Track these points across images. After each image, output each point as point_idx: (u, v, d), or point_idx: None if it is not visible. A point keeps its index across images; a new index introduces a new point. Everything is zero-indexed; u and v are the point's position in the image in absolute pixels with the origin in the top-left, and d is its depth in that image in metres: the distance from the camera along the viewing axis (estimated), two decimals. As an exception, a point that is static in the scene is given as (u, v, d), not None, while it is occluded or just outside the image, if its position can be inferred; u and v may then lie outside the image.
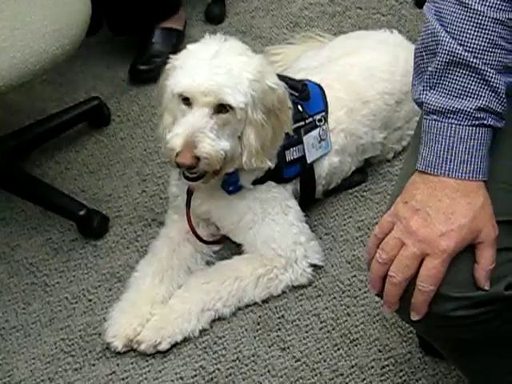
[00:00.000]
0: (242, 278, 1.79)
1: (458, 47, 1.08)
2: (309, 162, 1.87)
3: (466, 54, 1.07)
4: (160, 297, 1.79)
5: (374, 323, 1.77)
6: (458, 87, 1.09)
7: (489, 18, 1.07)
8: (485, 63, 1.07)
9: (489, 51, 1.07)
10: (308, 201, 1.95)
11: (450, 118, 1.09)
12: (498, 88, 1.08)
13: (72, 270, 1.95)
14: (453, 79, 1.09)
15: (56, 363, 1.76)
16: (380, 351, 1.72)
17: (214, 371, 1.72)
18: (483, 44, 1.07)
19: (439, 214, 1.07)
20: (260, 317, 1.80)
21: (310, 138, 1.86)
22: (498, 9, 1.07)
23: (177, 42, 2.51)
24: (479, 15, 1.07)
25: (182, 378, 1.71)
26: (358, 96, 1.95)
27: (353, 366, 1.70)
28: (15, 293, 1.91)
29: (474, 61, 1.07)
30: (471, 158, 1.08)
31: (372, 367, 1.69)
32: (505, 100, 1.09)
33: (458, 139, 1.09)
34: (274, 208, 1.82)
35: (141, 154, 2.24)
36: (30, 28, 1.70)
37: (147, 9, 2.46)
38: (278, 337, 1.77)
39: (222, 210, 1.84)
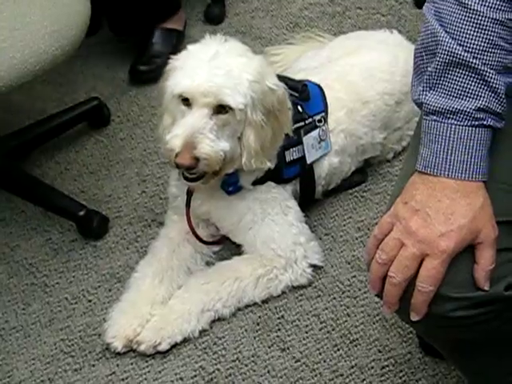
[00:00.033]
0: (242, 278, 1.79)
1: (458, 47, 1.08)
2: (308, 162, 1.87)
3: (466, 54, 1.07)
4: (160, 297, 1.79)
5: (374, 323, 1.77)
6: (458, 87, 1.09)
7: (488, 18, 1.07)
8: (484, 63, 1.07)
9: (488, 51, 1.07)
10: (308, 201, 1.95)
11: (449, 118, 1.09)
12: (498, 88, 1.08)
13: (72, 270, 1.95)
14: (452, 79, 1.09)
15: (56, 364, 1.76)
16: (380, 351, 1.72)
17: (213, 372, 1.72)
18: (483, 44, 1.07)
19: (439, 214, 1.07)
20: (260, 317, 1.80)
21: (309, 139, 1.86)
22: (497, 9, 1.07)
23: (177, 42, 2.51)
24: (479, 15, 1.07)
25: (181, 379, 1.71)
26: (357, 96, 1.95)
27: (353, 367, 1.70)
28: (15, 293, 1.91)
29: (474, 61, 1.07)
30: (471, 158, 1.08)
31: (372, 367, 1.69)
32: (504, 100, 1.09)
33: (458, 139, 1.09)
34: (274, 208, 1.82)
35: (140, 154, 2.24)
36: (29, 29, 1.70)
37: (148, 9, 2.46)
38: (277, 337, 1.77)
39: (222, 210, 1.84)
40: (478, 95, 1.08)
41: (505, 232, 1.10)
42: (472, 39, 1.07)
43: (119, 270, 1.93)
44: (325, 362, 1.71)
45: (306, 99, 1.87)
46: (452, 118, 1.09)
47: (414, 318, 1.11)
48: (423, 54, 1.12)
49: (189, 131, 1.63)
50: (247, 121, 1.68)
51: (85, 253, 1.99)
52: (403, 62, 2.01)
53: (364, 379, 1.68)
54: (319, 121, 1.88)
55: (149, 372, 1.72)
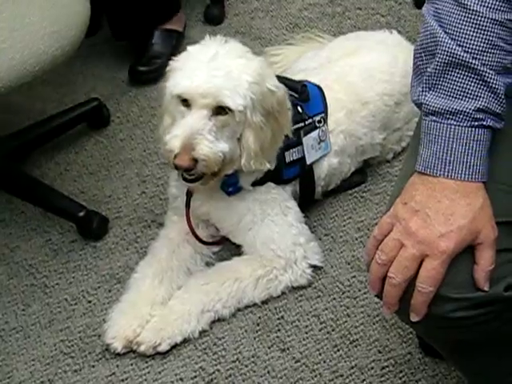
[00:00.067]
0: (242, 279, 1.79)
1: (457, 48, 1.07)
2: (308, 163, 1.87)
3: (465, 54, 1.07)
4: (160, 298, 1.78)
5: (374, 324, 1.77)
6: (457, 88, 1.09)
7: (487, 18, 1.07)
8: (484, 64, 1.07)
9: (488, 52, 1.07)
10: (307, 202, 1.95)
11: (449, 118, 1.09)
12: (497, 89, 1.08)
13: (71, 271, 1.95)
14: (452, 80, 1.09)
15: (56, 365, 1.76)
16: (380, 352, 1.72)
17: (213, 372, 1.72)
18: (482, 45, 1.07)
19: (438, 215, 1.07)
20: (260, 318, 1.80)
21: (309, 140, 1.86)
22: (496, 9, 1.07)
23: (176, 43, 2.51)
24: (478, 16, 1.07)
25: (181, 379, 1.71)
26: (357, 97, 1.95)
27: (353, 367, 1.70)
28: (15, 294, 1.91)
29: (473, 62, 1.07)
30: (470, 158, 1.08)
31: (372, 368, 1.69)
32: (504, 101, 1.09)
33: (458, 140, 1.09)
34: (274, 209, 1.82)
35: (140, 155, 2.24)
36: (29, 29, 1.69)
37: (148, 11, 2.46)
38: (277, 338, 1.77)
39: (222, 211, 1.84)
40: (477, 96, 1.08)
41: (504, 232, 1.10)
42: (471, 40, 1.07)
43: (119, 271, 1.93)
44: (325, 362, 1.71)
45: (305, 100, 1.87)
46: (451, 119, 1.09)
47: (414, 318, 1.11)
48: (423, 54, 1.12)
49: (188, 132, 1.63)
50: (247, 122, 1.68)
51: (84, 253, 1.99)
52: (403, 62, 2.01)
53: (364, 380, 1.68)
54: (319, 121, 1.88)
55: (149, 373, 1.72)
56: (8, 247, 2.02)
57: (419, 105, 1.13)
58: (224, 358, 1.74)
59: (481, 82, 1.08)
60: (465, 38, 1.07)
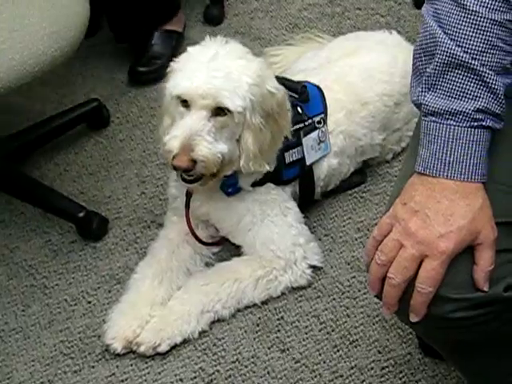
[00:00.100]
0: (242, 279, 1.79)
1: (457, 48, 1.07)
2: (308, 163, 1.87)
3: (465, 55, 1.07)
4: (159, 298, 1.78)
5: (374, 324, 1.77)
6: (457, 88, 1.09)
7: (487, 19, 1.07)
8: (483, 64, 1.07)
9: (487, 52, 1.07)
10: (307, 202, 1.95)
11: (448, 119, 1.09)
12: (497, 89, 1.08)
13: (71, 271, 1.95)
14: (451, 81, 1.09)
15: (55, 365, 1.76)
16: (380, 352, 1.72)
17: (213, 373, 1.72)
18: (481, 45, 1.07)
19: (438, 215, 1.07)
20: (259, 318, 1.80)
21: (309, 140, 1.86)
22: (495, 10, 1.07)
23: (176, 43, 2.51)
24: (477, 16, 1.07)
25: (181, 380, 1.71)
26: (356, 98, 1.95)
27: (352, 368, 1.70)
28: (14, 295, 1.91)
29: (473, 62, 1.07)
30: (470, 159, 1.08)
31: (372, 368, 1.69)
32: (503, 101, 1.09)
33: (457, 141, 1.08)
34: (273, 210, 1.82)
35: (140, 155, 2.24)
36: (28, 30, 1.69)
37: (149, 14, 2.46)
38: (277, 338, 1.77)
39: (221, 211, 1.84)
40: (476, 96, 1.08)
41: (504, 233, 1.10)
42: (471, 40, 1.07)
43: (119, 272, 1.93)
44: (324, 362, 1.71)
45: (305, 100, 1.87)
46: (451, 119, 1.09)
47: (414, 319, 1.11)
48: (422, 55, 1.12)
49: (187, 133, 1.63)
50: (246, 123, 1.68)
51: (84, 254, 1.99)
52: (402, 63, 2.01)
53: (364, 380, 1.68)
54: (319, 122, 1.88)
55: (148, 373, 1.72)
56: (8, 248, 2.02)
57: (418, 105, 1.13)
58: (224, 358, 1.74)
59: (480, 83, 1.08)
60: (464, 38, 1.07)
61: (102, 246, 2.00)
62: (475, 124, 1.08)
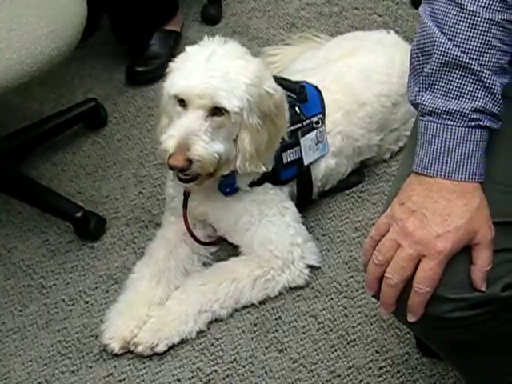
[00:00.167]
0: (239, 279, 1.79)
1: (454, 48, 1.07)
2: (306, 164, 1.87)
3: (462, 55, 1.07)
4: (157, 298, 1.78)
5: (372, 324, 1.77)
6: (454, 88, 1.09)
7: (484, 18, 1.07)
8: (481, 64, 1.07)
9: (484, 52, 1.07)
10: (305, 202, 1.95)
11: (446, 119, 1.09)
12: (494, 89, 1.08)
13: (69, 271, 1.95)
14: (449, 80, 1.09)
15: (53, 365, 1.76)
16: (377, 352, 1.72)
17: (211, 373, 1.72)
18: (479, 45, 1.07)
19: (435, 215, 1.07)
20: (257, 318, 1.80)
21: (307, 140, 1.86)
22: (493, 10, 1.07)
23: (174, 43, 2.51)
24: (474, 16, 1.07)
25: (179, 380, 1.71)
26: (354, 98, 1.95)
27: (350, 367, 1.70)
28: (12, 295, 1.91)
29: (470, 62, 1.07)
30: (467, 159, 1.08)
31: (369, 368, 1.69)
32: (501, 101, 1.09)
33: (454, 140, 1.08)
34: (271, 209, 1.82)
35: (137, 155, 2.24)
36: (26, 29, 1.69)
37: (149, 15, 2.45)
38: (275, 338, 1.77)
39: (219, 211, 1.84)
40: (474, 96, 1.08)
41: (501, 233, 1.10)
42: (468, 40, 1.07)
43: (116, 272, 1.93)
44: (322, 362, 1.71)
45: (303, 101, 1.87)
46: (448, 119, 1.09)
47: (411, 319, 1.11)
48: (419, 54, 1.12)
49: (183, 132, 1.63)
50: (243, 124, 1.68)
51: (82, 254, 1.98)
52: (400, 63, 2.01)
53: (361, 380, 1.68)
54: (317, 122, 1.88)
55: (146, 373, 1.72)
56: (5, 248, 2.02)
57: (416, 105, 1.13)
58: (221, 358, 1.74)
59: (477, 83, 1.08)
60: (461, 38, 1.07)
61: (100, 245, 2.00)
62: (472, 124, 1.08)
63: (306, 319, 1.79)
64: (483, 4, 1.07)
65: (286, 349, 1.74)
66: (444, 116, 1.09)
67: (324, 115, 1.90)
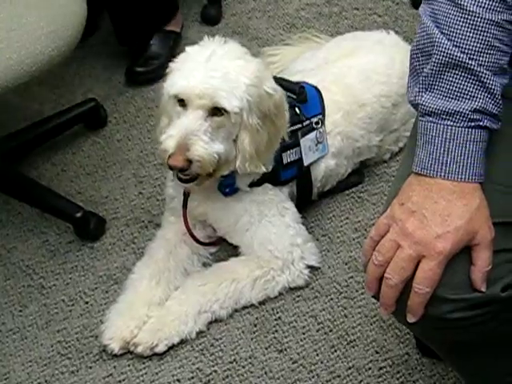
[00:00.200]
0: (239, 279, 1.79)
1: (454, 49, 1.07)
2: (305, 164, 1.87)
3: (462, 55, 1.07)
4: (157, 299, 1.78)
5: (371, 324, 1.77)
6: (454, 89, 1.08)
7: (484, 19, 1.07)
8: (480, 65, 1.07)
9: (484, 53, 1.07)
10: (304, 202, 1.95)
11: (445, 119, 1.09)
12: (494, 89, 1.08)
13: (68, 272, 1.95)
14: (448, 81, 1.09)
15: (53, 366, 1.76)
16: (377, 352, 1.71)
17: (211, 373, 1.72)
18: (479, 45, 1.07)
19: (435, 215, 1.07)
20: (257, 318, 1.80)
21: (307, 141, 1.86)
22: (492, 10, 1.07)
23: (174, 43, 2.51)
24: (474, 17, 1.07)
25: (178, 381, 1.71)
26: (354, 99, 1.95)
27: (350, 368, 1.70)
28: (12, 295, 1.91)
29: (470, 62, 1.07)
30: (467, 159, 1.08)
31: (369, 369, 1.69)
32: (501, 101, 1.09)
33: (454, 141, 1.08)
34: (271, 210, 1.82)
35: (137, 155, 2.24)
36: (25, 29, 1.69)
37: (150, 16, 2.45)
38: (274, 338, 1.76)
39: (219, 211, 1.84)
40: (474, 96, 1.08)
41: (501, 233, 1.10)
42: (468, 40, 1.07)
43: (116, 272, 1.93)
44: (322, 363, 1.71)
45: (303, 101, 1.87)
46: (448, 119, 1.09)
47: (411, 319, 1.11)
48: (419, 55, 1.12)
49: (182, 133, 1.63)
50: (243, 124, 1.68)
51: (82, 254, 1.98)
52: (400, 63, 2.01)
53: (361, 380, 1.68)
54: (316, 123, 1.88)
55: (146, 374, 1.72)
56: (5, 248, 2.02)
57: (416, 105, 1.13)
58: (221, 358, 1.74)
59: (477, 83, 1.07)
60: (461, 38, 1.07)
61: (100, 246, 2.00)
62: (472, 124, 1.08)
63: (306, 320, 1.79)
64: (483, 4, 1.07)
65: (285, 349, 1.74)
66: (444, 116, 1.09)
67: (324, 116, 1.90)
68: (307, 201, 1.96)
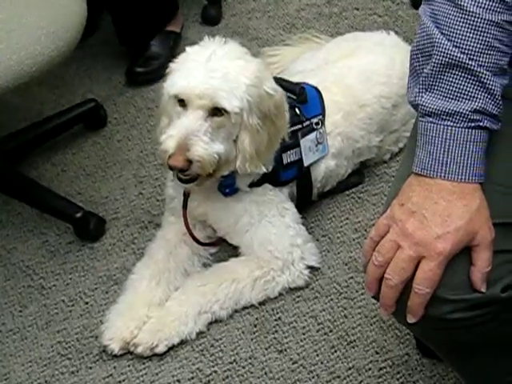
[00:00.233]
0: (239, 280, 1.79)
1: (454, 49, 1.07)
2: (306, 165, 1.87)
3: (462, 56, 1.07)
4: (157, 299, 1.78)
5: (371, 325, 1.77)
6: (454, 89, 1.08)
7: (484, 19, 1.07)
8: (480, 65, 1.07)
9: (484, 53, 1.07)
10: (304, 203, 1.95)
11: (445, 120, 1.09)
12: (494, 90, 1.08)
13: (68, 272, 1.95)
14: (448, 81, 1.09)
15: (53, 366, 1.76)
16: (377, 353, 1.71)
17: (210, 374, 1.72)
18: (479, 46, 1.07)
19: (435, 216, 1.07)
20: (257, 319, 1.80)
21: (307, 142, 1.86)
22: (492, 11, 1.07)
23: (174, 44, 2.51)
24: (474, 17, 1.07)
25: (179, 381, 1.71)
26: (354, 99, 1.95)
27: (350, 368, 1.70)
28: (12, 296, 1.91)
29: (470, 63, 1.07)
30: (467, 160, 1.08)
31: (369, 369, 1.69)
32: (501, 102, 1.09)
33: (454, 141, 1.08)
34: (271, 210, 1.82)
35: (137, 155, 2.24)
36: (25, 30, 1.69)
37: (152, 16, 2.45)
38: (274, 339, 1.76)
39: (219, 212, 1.84)
40: (474, 97, 1.08)
41: (501, 234, 1.10)
42: (468, 41, 1.07)
43: (116, 272, 1.93)
44: (322, 363, 1.71)
45: (303, 102, 1.87)
46: (448, 120, 1.09)
47: (411, 320, 1.10)
48: (419, 55, 1.12)
49: (183, 133, 1.63)
50: (243, 124, 1.68)
51: (82, 255, 1.98)
52: (400, 64, 2.01)
53: (361, 381, 1.67)
54: (316, 123, 1.88)
55: (146, 374, 1.72)
56: (5, 248, 2.02)
57: (416, 106, 1.13)
58: (221, 359, 1.74)
59: (477, 83, 1.07)
60: (461, 39, 1.07)
61: (100, 246, 2.00)
62: (472, 125, 1.08)
63: (306, 320, 1.79)
64: (483, 5, 1.07)
65: (285, 350, 1.74)
66: (444, 117, 1.09)
67: (324, 116, 1.90)
68: (307, 201, 1.96)
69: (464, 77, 1.08)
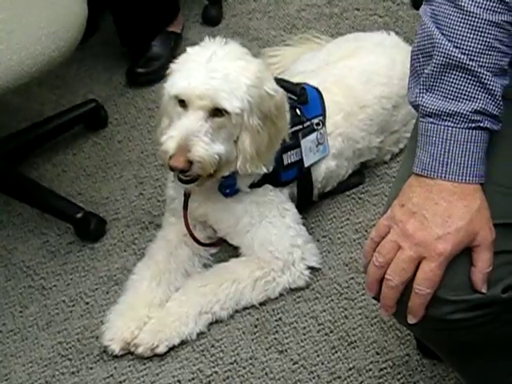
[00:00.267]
0: (240, 280, 1.79)
1: (454, 50, 1.07)
2: (306, 165, 1.87)
3: (462, 56, 1.07)
4: (157, 300, 1.78)
5: (372, 325, 1.77)
6: (455, 90, 1.08)
7: (484, 20, 1.07)
8: (481, 66, 1.07)
9: (485, 54, 1.07)
10: (305, 203, 1.95)
11: (446, 120, 1.09)
12: (494, 91, 1.08)
13: (69, 273, 1.95)
14: (449, 82, 1.09)
15: (53, 367, 1.76)
16: (378, 354, 1.71)
17: (211, 374, 1.72)
18: (479, 46, 1.07)
19: (436, 217, 1.07)
20: (257, 319, 1.80)
21: (307, 142, 1.86)
22: (493, 11, 1.07)
23: (175, 44, 2.51)
24: (475, 18, 1.07)
25: (179, 382, 1.71)
26: (355, 100, 1.95)
27: (351, 369, 1.70)
28: (12, 296, 1.91)
29: (470, 63, 1.07)
30: (468, 160, 1.08)
31: (370, 370, 1.69)
32: (501, 103, 1.09)
33: (455, 142, 1.08)
34: (271, 211, 1.82)
35: (138, 156, 2.24)
36: (26, 30, 1.69)
37: (153, 17, 2.45)
38: (275, 339, 1.76)
39: (219, 212, 1.84)
40: (474, 97, 1.08)
41: (502, 234, 1.10)
42: (468, 41, 1.07)
43: (117, 273, 1.93)
44: (323, 364, 1.71)
45: (304, 102, 1.87)
46: (449, 121, 1.09)
47: (412, 320, 1.10)
48: (420, 56, 1.12)
49: (183, 134, 1.63)
50: (243, 125, 1.68)
51: (82, 255, 1.98)
52: (400, 64, 2.01)
53: (362, 381, 1.67)
54: (317, 124, 1.88)
55: (146, 375, 1.72)
56: (5, 249, 2.02)
57: (416, 106, 1.13)
58: (222, 359, 1.74)
59: (478, 84, 1.07)
60: (462, 39, 1.07)
61: (100, 247, 2.00)
62: (473, 125, 1.08)
63: (307, 320, 1.79)
64: (483, 5, 1.07)
65: (286, 350, 1.74)
66: (444, 117, 1.09)
67: (325, 117, 1.90)
68: (308, 202, 1.96)
69: (464, 77, 1.08)
